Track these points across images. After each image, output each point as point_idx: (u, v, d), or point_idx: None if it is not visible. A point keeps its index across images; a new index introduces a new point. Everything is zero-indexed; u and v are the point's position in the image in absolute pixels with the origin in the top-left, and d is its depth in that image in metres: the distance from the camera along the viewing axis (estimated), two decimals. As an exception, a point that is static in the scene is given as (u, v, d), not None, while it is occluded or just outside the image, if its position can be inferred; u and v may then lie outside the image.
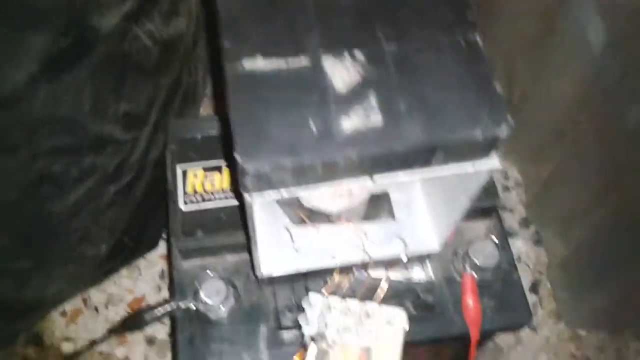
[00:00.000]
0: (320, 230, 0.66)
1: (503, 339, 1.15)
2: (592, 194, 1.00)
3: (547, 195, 1.17)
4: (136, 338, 1.10)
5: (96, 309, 1.12)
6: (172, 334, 1.08)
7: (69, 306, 1.11)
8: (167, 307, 0.68)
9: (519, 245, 1.21)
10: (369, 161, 0.47)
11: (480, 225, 0.76)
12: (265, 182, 0.46)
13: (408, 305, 0.69)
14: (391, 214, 0.67)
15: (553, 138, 1.09)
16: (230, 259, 0.74)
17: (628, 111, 0.89)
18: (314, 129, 0.45)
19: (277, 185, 0.47)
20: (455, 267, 0.73)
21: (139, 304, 1.13)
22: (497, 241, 0.72)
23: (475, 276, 0.71)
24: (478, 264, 0.70)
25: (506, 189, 1.28)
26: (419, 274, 0.70)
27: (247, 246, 0.67)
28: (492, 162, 0.50)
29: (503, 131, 0.47)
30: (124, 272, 1.15)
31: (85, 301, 1.12)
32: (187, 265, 0.73)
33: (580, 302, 1.09)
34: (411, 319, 0.68)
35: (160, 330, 1.11)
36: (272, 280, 0.70)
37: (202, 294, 0.68)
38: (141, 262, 1.16)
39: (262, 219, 0.67)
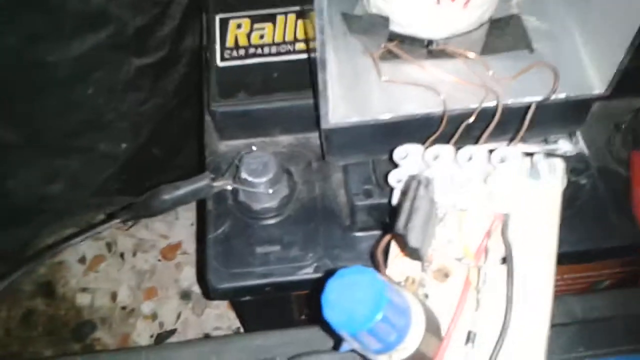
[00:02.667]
0: (416, 65, 0.44)
1: None
2: None
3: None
4: (168, 292, 0.90)
5: (122, 256, 0.93)
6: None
7: (89, 251, 0.92)
8: (195, 184, 0.48)
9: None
10: None
11: None
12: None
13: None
14: (527, 45, 0.45)
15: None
16: (285, 140, 0.53)
17: None
18: None
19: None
20: (614, 153, 0.49)
21: (174, 251, 0.93)
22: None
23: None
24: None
25: None
26: (566, 146, 0.46)
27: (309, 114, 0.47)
28: None
29: None
30: (157, 214, 0.96)
31: (109, 246, 0.93)
32: (225, 147, 0.53)
33: None
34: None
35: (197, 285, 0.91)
36: (343, 151, 0.48)
37: (242, 171, 0.47)
38: (178, 204, 0.97)
39: (333, 55, 0.45)
